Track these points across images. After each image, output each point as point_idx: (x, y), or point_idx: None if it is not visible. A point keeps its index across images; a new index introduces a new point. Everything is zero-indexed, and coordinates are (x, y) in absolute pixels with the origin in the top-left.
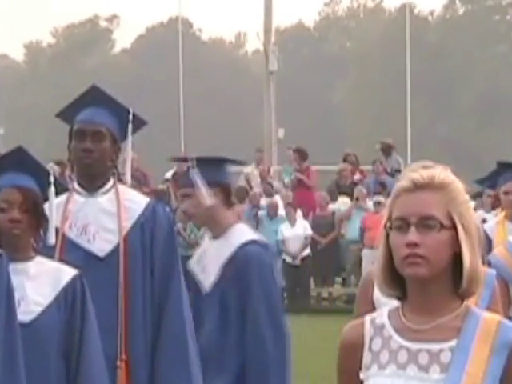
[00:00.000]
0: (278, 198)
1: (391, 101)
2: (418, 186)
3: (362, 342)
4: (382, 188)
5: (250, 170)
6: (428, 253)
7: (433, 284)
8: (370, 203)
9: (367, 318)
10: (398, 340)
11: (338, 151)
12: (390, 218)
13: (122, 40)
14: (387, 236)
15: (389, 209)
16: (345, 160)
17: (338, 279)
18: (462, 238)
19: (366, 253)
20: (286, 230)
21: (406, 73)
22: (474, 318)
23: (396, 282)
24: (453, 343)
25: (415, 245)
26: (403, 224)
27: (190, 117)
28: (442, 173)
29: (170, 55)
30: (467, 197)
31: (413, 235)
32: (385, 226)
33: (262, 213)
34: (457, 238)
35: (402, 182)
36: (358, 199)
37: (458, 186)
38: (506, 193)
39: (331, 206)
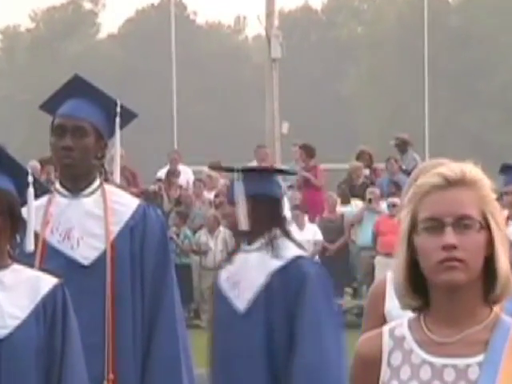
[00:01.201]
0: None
1: (407, 92)
2: (450, 183)
3: (379, 356)
4: (397, 189)
5: None
6: (466, 256)
7: (464, 291)
8: (383, 205)
9: (385, 329)
10: (420, 354)
11: (348, 148)
12: (413, 219)
13: (108, 24)
14: (409, 240)
15: (412, 209)
16: (357, 158)
17: (348, 290)
18: (496, 239)
19: (379, 260)
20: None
21: (423, 61)
22: (504, 329)
23: (419, 291)
24: (481, 358)
25: (453, 247)
26: (437, 225)
27: (184, 110)
28: (471, 168)
29: (162, 41)
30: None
31: (450, 237)
32: (409, 228)
33: None
34: (490, 239)
35: (430, 178)
36: (370, 201)
37: (488, 182)
38: (506, 193)
39: (340, 209)
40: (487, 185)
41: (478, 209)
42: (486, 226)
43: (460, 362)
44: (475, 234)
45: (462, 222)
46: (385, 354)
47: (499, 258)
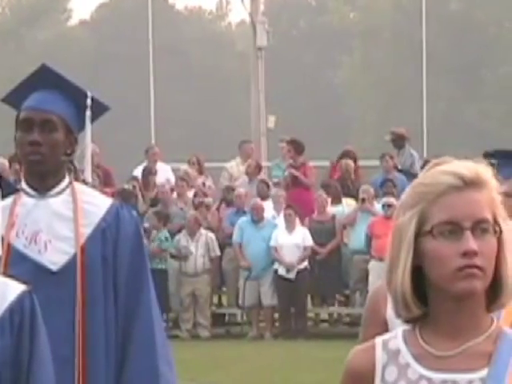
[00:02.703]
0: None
1: (404, 83)
2: (467, 183)
3: (372, 371)
4: (393, 187)
5: (235, 165)
6: (485, 263)
7: (473, 300)
8: (378, 206)
9: (378, 341)
10: (417, 369)
11: (340, 143)
12: (421, 222)
13: (80, 10)
14: (415, 245)
15: (421, 210)
16: (342, 158)
17: (340, 297)
18: (504, 244)
19: (373, 265)
20: (281, 237)
21: (421, 49)
22: (508, 340)
23: (419, 300)
24: (484, 373)
25: (475, 254)
26: (455, 229)
27: (162, 102)
28: (483, 167)
29: (139, 28)
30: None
31: (472, 242)
32: (416, 231)
33: (244, 218)
34: (499, 244)
35: (444, 176)
36: (363, 201)
37: (496, 183)
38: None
39: (331, 209)
40: (496, 186)
41: (491, 211)
42: (498, 230)
43: (461, 377)
44: (491, 239)
45: (480, 226)
46: (378, 368)
47: (506, 265)
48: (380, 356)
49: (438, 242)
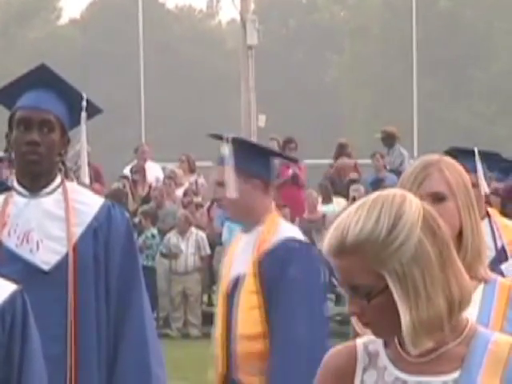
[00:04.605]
0: None
1: (394, 81)
2: (335, 253)
3: (352, 372)
4: (383, 187)
5: None
6: (373, 320)
7: None
8: None
9: (359, 343)
10: (393, 371)
11: (330, 142)
12: None
13: (70, 8)
14: None
15: None
16: (337, 152)
17: (331, 296)
18: (395, 298)
19: None
20: None
21: (412, 47)
22: (482, 342)
23: None
24: (456, 375)
25: (354, 314)
26: (345, 292)
27: (153, 100)
28: (356, 226)
29: (129, 26)
30: (402, 235)
31: (349, 307)
32: None
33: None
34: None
35: (326, 239)
36: (354, 199)
37: (379, 236)
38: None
39: (322, 208)
40: (380, 239)
41: (370, 273)
42: (381, 289)
43: (435, 379)
44: (373, 302)
45: (356, 291)
46: (359, 369)
47: (401, 319)
48: (361, 358)
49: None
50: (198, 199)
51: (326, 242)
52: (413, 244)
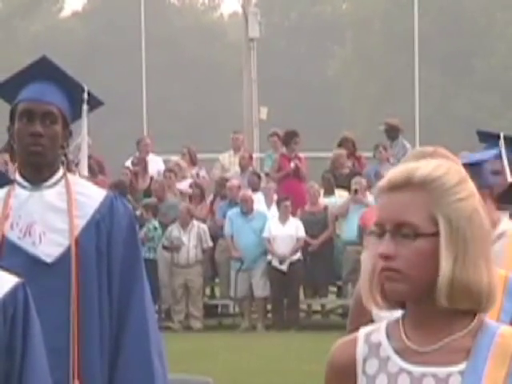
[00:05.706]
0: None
1: (396, 73)
2: (394, 186)
3: (354, 364)
4: None
5: (227, 157)
6: (404, 266)
7: (424, 302)
8: (370, 197)
9: (361, 334)
10: (397, 362)
11: (332, 134)
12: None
13: (72, 1)
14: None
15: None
16: (340, 145)
17: (333, 288)
18: (442, 244)
19: (366, 256)
20: (274, 228)
21: (413, 39)
22: (489, 334)
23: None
24: (463, 366)
25: (387, 257)
26: (380, 231)
27: (155, 93)
28: (428, 166)
29: (131, 19)
30: (465, 193)
31: (385, 246)
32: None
33: (234, 210)
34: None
35: (384, 179)
36: (356, 192)
37: (448, 181)
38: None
39: (323, 200)
40: (446, 184)
41: (424, 213)
42: (437, 232)
43: (440, 370)
44: (416, 242)
45: (400, 231)
46: (359, 361)
47: (441, 264)
48: (361, 349)
49: (375, 242)
50: (197, 191)
51: (388, 177)
52: (472, 206)
